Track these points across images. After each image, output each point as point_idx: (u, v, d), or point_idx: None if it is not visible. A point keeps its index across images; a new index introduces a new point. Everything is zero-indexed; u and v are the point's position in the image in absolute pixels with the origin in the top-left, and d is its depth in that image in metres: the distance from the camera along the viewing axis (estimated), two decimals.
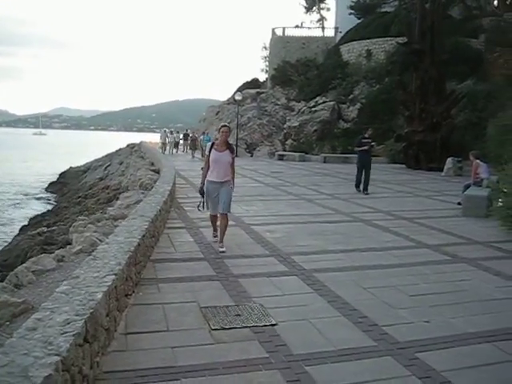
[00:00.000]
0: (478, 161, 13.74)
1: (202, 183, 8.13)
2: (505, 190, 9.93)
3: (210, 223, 8.53)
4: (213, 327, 4.81)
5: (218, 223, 8.18)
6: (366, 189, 15.36)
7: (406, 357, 4.28)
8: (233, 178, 8.08)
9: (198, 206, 8.27)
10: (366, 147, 15.14)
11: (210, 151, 7.93)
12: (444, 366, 4.09)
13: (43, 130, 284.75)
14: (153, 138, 58.37)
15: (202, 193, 8.11)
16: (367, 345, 4.52)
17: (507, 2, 39.44)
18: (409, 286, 6.28)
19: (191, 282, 6.22)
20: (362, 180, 15.49)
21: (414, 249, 8.36)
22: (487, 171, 13.48)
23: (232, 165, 8.01)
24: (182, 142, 39.71)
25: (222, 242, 7.89)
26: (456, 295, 5.95)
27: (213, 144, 8.05)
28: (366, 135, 15.49)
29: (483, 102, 26.48)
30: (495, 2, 41.55)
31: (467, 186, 13.21)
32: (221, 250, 7.73)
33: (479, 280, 6.61)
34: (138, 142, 44.68)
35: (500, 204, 10.12)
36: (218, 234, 8.07)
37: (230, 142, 8.31)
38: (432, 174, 21.70)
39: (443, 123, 23.91)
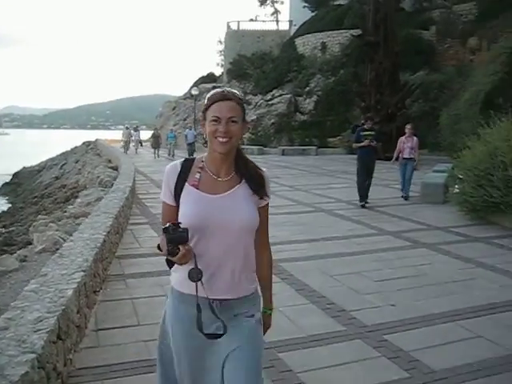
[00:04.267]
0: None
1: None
2: (460, 177, 10.24)
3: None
4: None
5: None
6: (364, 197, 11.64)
7: (374, 339, 4.40)
8: (267, 280, 2.46)
9: None
10: (366, 141, 11.45)
11: (175, 186, 2.26)
12: (411, 346, 4.23)
13: (6, 130, 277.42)
14: (108, 136, 57.51)
15: None
16: (337, 329, 4.62)
17: None
18: (373, 271, 6.43)
19: (159, 276, 6.20)
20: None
21: (375, 236, 8.54)
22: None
23: (263, 232, 2.36)
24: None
25: None
26: (419, 279, 6.13)
27: (183, 166, 2.28)
28: (366, 126, 11.85)
29: (435, 92, 27.20)
30: None
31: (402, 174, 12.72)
32: None
33: (440, 263, 6.84)
34: (93, 139, 44.00)
35: (456, 190, 10.44)
36: None
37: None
38: (389, 164, 22.02)
39: (398, 114, 24.42)
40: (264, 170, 2.36)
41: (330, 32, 36.73)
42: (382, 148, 12.03)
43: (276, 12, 59.55)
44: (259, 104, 35.84)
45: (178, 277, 2.24)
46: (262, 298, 2.41)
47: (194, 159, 2.33)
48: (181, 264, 2.06)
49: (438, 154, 21.38)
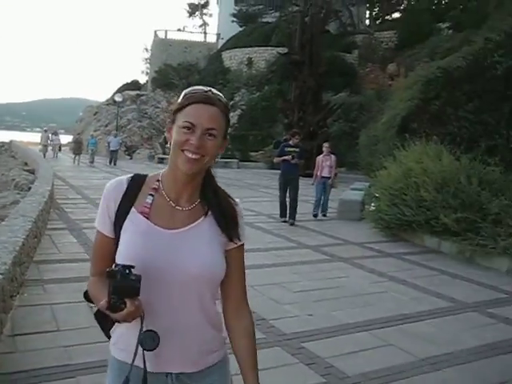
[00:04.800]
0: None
1: None
2: (377, 195, 10.73)
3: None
4: None
5: None
6: (291, 215, 11.35)
7: (292, 347, 4.56)
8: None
9: None
10: (289, 157, 11.07)
11: (116, 211, 1.62)
12: (327, 353, 4.43)
13: None
14: (25, 138, 55.29)
15: None
16: (257, 337, 4.72)
17: (377, 22, 42.37)
18: (293, 283, 6.63)
19: (78, 282, 6.09)
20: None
21: (295, 249, 8.80)
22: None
23: (237, 286, 1.74)
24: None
25: None
26: (336, 290, 6.40)
27: (131, 184, 1.67)
28: (292, 142, 11.50)
29: (356, 113, 28.36)
30: (367, 22, 44.48)
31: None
32: None
33: (355, 277, 7.15)
34: (7, 140, 42.16)
35: (372, 208, 10.92)
36: None
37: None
38: (309, 180, 22.60)
39: (319, 132, 25.13)
40: (237, 200, 1.74)
41: (257, 48, 37.45)
42: (303, 165, 12.15)
43: (204, 24, 60.14)
44: None
45: (115, 337, 1.66)
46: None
47: (145, 176, 1.72)
48: (120, 322, 1.46)
49: (356, 173, 22.22)
